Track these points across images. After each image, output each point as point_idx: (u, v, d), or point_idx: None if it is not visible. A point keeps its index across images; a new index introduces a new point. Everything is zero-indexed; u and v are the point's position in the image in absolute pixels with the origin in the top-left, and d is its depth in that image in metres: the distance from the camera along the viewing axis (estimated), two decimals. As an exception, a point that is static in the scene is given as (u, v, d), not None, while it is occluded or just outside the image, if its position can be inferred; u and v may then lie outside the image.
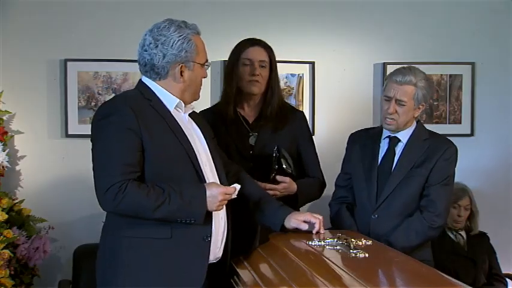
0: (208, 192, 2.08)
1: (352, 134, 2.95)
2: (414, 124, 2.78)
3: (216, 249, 2.21)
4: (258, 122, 2.82)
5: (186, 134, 2.19)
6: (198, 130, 2.30)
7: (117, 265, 2.14)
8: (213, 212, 2.15)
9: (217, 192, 2.09)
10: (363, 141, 2.84)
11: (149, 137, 2.10)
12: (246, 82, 2.76)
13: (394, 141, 2.76)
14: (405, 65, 2.79)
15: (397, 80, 2.67)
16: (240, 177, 2.43)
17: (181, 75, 2.20)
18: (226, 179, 2.29)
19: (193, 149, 2.17)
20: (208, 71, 2.37)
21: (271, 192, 2.63)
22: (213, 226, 2.16)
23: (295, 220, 2.31)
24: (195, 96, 2.29)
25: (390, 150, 2.75)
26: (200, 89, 2.30)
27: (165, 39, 2.17)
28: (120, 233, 2.14)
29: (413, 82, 2.66)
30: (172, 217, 2.08)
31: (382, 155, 2.77)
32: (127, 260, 2.12)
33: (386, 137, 2.78)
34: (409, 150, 2.72)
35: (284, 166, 2.69)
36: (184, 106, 2.26)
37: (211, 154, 2.28)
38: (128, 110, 2.10)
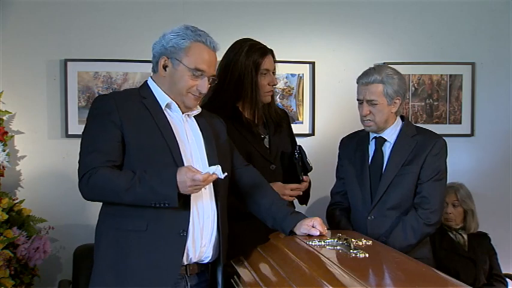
0: (178, 176, 2.05)
1: (342, 139, 2.96)
2: (399, 121, 2.79)
3: (199, 248, 2.18)
4: (260, 125, 2.82)
5: (176, 133, 2.19)
6: (198, 131, 2.27)
7: (97, 255, 2.21)
8: (195, 210, 2.14)
9: (186, 177, 2.04)
10: (353, 145, 2.86)
11: (131, 132, 2.13)
12: (266, 92, 2.77)
13: (380, 141, 2.77)
14: (372, 66, 2.82)
15: (363, 82, 2.72)
16: (256, 181, 2.43)
17: (165, 69, 2.22)
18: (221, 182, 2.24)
19: (178, 147, 2.16)
20: None
21: (295, 192, 2.72)
22: (190, 222, 2.13)
23: (306, 226, 2.29)
24: (182, 99, 2.22)
25: (378, 151, 2.76)
26: (188, 95, 2.21)
27: (166, 34, 2.22)
28: (101, 224, 2.21)
29: (378, 80, 2.68)
30: (144, 200, 2.07)
31: (371, 156, 2.78)
32: (104, 250, 2.17)
33: (373, 138, 2.79)
34: (398, 149, 2.73)
35: (311, 165, 2.77)
36: (181, 107, 2.25)
37: (208, 157, 2.24)
38: (110, 104, 2.15)
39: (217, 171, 2.07)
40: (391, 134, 2.76)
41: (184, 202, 2.12)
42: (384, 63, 3.75)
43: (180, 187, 2.05)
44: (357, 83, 2.76)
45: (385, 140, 2.76)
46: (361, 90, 2.72)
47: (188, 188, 2.05)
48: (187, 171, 2.05)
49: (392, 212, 2.70)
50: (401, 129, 2.77)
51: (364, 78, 2.71)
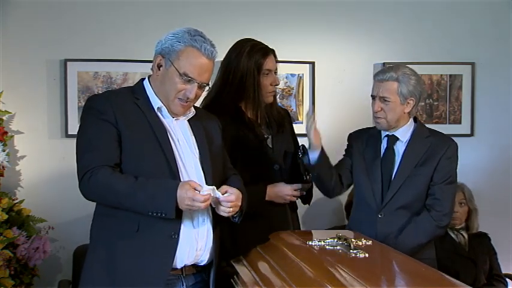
0: (178, 191, 2.02)
1: (352, 132, 2.95)
2: (411, 122, 2.78)
3: (194, 252, 2.17)
4: (263, 125, 2.82)
5: (169, 134, 2.18)
6: (189, 135, 2.25)
7: (88, 254, 2.20)
8: (189, 213, 2.12)
9: (186, 195, 2.01)
10: (365, 139, 2.85)
11: (126, 131, 2.12)
12: (268, 93, 2.77)
13: (392, 140, 2.76)
14: (384, 66, 2.81)
15: (379, 79, 2.71)
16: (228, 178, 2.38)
17: (159, 68, 2.20)
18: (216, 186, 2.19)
19: (172, 149, 2.15)
20: None
21: (298, 192, 2.72)
22: (184, 226, 2.12)
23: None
24: (169, 105, 2.19)
25: (389, 149, 2.75)
26: (175, 101, 2.17)
27: (168, 33, 2.20)
28: (94, 225, 2.22)
29: (394, 77, 2.67)
30: (142, 207, 2.05)
31: (383, 153, 2.77)
32: (96, 251, 2.16)
33: (385, 136, 2.78)
34: (412, 149, 2.72)
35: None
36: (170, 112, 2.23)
37: (200, 161, 2.22)
38: (105, 103, 2.14)
39: (215, 192, 2.07)
40: (404, 134, 2.75)
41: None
42: (384, 63, 3.76)
43: (179, 202, 2.02)
44: (373, 79, 2.76)
45: (398, 139, 2.75)
46: (375, 86, 2.72)
47: (185, 206, 2.03)
48: (189, 190, 2.01)
49: (402, 211, 2.69)
50: (414, 130, 2.76)
51: (380, 75, 2.71)
